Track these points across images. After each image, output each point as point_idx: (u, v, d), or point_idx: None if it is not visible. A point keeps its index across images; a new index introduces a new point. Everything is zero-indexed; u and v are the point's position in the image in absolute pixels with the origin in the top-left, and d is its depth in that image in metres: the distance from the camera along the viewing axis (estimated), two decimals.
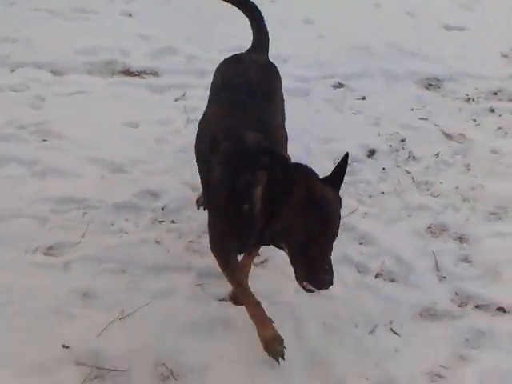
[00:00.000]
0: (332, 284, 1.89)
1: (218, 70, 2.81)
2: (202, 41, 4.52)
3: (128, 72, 4.17)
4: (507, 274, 2.77)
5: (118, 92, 3.92)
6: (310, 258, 1.88)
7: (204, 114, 2.62)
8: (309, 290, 1.94)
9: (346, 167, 2.01)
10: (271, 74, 2.76)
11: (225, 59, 2.85)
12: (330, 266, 1.90)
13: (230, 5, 3.12)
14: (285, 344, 2.30)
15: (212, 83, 2.77)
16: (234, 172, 2.08)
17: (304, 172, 2.01)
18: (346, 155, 2.02)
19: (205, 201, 2.71)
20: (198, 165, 2.48)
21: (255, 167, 2.03)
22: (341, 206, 2.02)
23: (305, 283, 1.93)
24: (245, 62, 2.76)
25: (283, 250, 1.98)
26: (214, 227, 2.27)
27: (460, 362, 2.39)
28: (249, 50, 2.95)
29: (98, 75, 4.09)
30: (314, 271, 1.89)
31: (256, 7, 3.01)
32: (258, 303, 2.29)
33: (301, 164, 2.06)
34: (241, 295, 2.36)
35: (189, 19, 4.81)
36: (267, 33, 2.99)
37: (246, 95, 2.41)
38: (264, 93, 2.48)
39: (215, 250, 2.31)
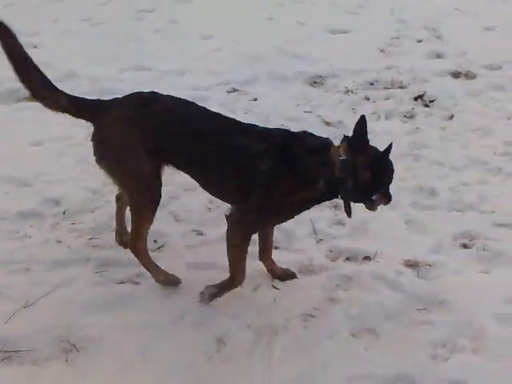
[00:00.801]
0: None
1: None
2: (102, 63, 4.84)
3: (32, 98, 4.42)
4: (372, 229, 3.16)
5: (23, 116, 4.16)
6: (386, 191, 2.49)
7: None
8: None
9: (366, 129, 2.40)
10: None
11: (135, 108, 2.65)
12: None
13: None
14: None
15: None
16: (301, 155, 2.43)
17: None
18: (363, 117, 2.38)
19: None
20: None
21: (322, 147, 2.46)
22: None
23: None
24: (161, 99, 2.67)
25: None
26: (262, 210, 2.51)
27: (330, 303, 2.72)
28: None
29: (1, 103, 4.33)
30: (389, 196, 2.49)
31: None
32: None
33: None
34: (240, 268, 2.65)
35: (88, 44, 5.16)
36: None
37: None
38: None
39: (247, 228, 2.58)
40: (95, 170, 3.57)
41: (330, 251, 3.07)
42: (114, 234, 3.12)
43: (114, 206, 3.30)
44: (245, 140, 2.53)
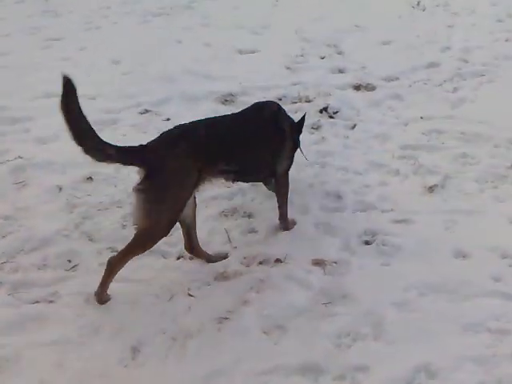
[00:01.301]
0: None
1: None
2: (10, 93, 4.81)
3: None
4: (283, 234, 3.34)
5: None
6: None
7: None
8: None
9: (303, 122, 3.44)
10: None
11: None
12: None
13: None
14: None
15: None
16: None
17: None
18: (304, 115, 3.47)
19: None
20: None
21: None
22: None
23: None
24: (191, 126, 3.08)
25: None
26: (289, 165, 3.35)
27: (243, 305, 2.85)
28: None
29: None
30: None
31: None
32: None
33: None
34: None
35: None
36: None
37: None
38: None
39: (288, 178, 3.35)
40: (6, 197, 3.63)
41: (244, 257, 3.20)
42: (27, 256, 3.15)
43: (27, 231, 3.34)
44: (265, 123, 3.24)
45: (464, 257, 3.14)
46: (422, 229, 3.34)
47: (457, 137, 4.22)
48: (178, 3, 7.17)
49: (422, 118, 4.51)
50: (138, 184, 2.78)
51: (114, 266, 2.85)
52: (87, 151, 2.65)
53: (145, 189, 2.75)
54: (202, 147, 2.91)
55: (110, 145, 2.70)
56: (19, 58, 5.65)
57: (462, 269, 3.04)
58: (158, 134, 4.27)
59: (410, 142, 4.19)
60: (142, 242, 2.84)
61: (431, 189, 3.69)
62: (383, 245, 3.23)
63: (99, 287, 2.86)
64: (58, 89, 5.00)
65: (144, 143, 2.90)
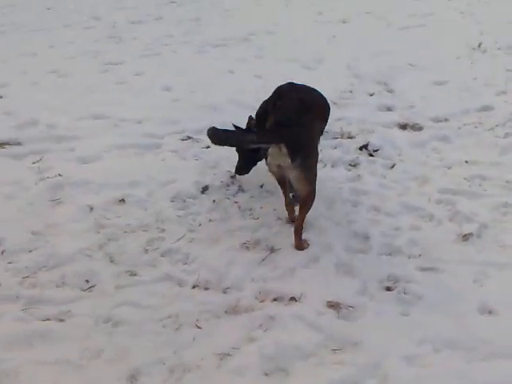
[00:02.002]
0: None
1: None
2: (62, 112, 5.01)
3: None
4: (302, 271, 3.25)
5: None
6: None
7: None
8: None
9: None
10: None
11: None
12: None
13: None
14: None
15: None
16: None
17: None
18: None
19: None
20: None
21: None
22: None
23: None
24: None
25: None
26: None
27: (249, 342, 2.78)
28: None
29: None
30: None
31: None
32: None
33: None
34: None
35: (51, 95, 5.37)
36: None
37: None
38: None
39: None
40: (40, 213, 3.74)
41: (259, 292, 3.13)
42: (47, 272, 3.22)
43: (52, 247, 3.42)
44: None
45: (490, 313, 2.94)
46: (448, 279, 3.17)
47: (501, 185, 4.01)
48: (237, 35, 7.31)
49: (466, 162, 4.33)
50: (293, 162, 3.20)
51: (299, 229, 3.42)
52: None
53: (300, 164, 3.21)
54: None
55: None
56: (78, 80, 5.90)
57: (486, 326, 2.84)
58: (195, 161, 4.40)
59: (450, 187, 4.02)
60: (309, 204, 3.40)
61: (465, 237, 3.51)
62: (404, 293, 3.08)
63: (297, 240, 3.41)
64: (108, 111, 5.24)
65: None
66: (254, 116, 4.02)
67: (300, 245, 3.43)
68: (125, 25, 7.96)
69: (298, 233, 3.44)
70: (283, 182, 3.63)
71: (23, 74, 6.03)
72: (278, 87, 3.92)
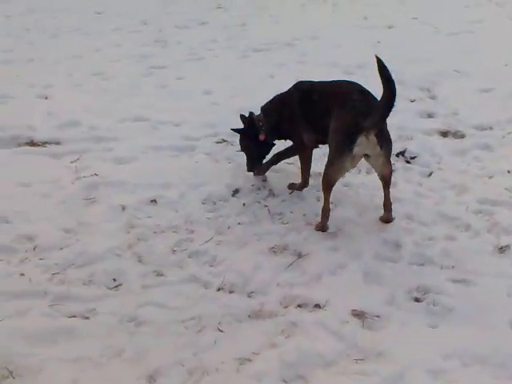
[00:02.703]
0: None
1: None
2: (103, 114, 5.11)
3: (32, 143, 4.70)
4: (328, 278, 3.19)
5: (19, 159, 4.43)
6: None
7: None
8: None
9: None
10: None
11: None
12: None
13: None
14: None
15: None
16: None
17: None
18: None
19: None
20: None
21: None
22: None
23: None
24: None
25: None
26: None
27: (270, 348, 2.73)
28: None
29: (3, 147, 4.60)
30: None
31: None
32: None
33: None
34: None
35: (94, 96, 5.48)
36: None
37: None
38: None
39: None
40: (73, 211, 3.81)
41: (284, 297, 3.09)
42: (76, 270, 3.27)
43: (82, 246, 3.48)
44: None
45: None
46: (481, 292, 3.05)
47: None
48: (280, 40, 7.32)
49: (509, 172, 4.18)
50: (381, 150, 3.36)
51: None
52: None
53: (385, 150, 3.41)
54: None
55: None
56: (121, 83, 6.02)
57: None
58: (228, 164, 4.39)
59: (490, 197, 3.87)
60: (391, 181, 3.62)
61: (502, 249, 3.37)
62: (434, 304, 2.97)
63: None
64: (148, 114, 5.31)
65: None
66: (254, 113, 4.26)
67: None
68: (171, 29, 8.08)
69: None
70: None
71: (69, 75, 6.19)
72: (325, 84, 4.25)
